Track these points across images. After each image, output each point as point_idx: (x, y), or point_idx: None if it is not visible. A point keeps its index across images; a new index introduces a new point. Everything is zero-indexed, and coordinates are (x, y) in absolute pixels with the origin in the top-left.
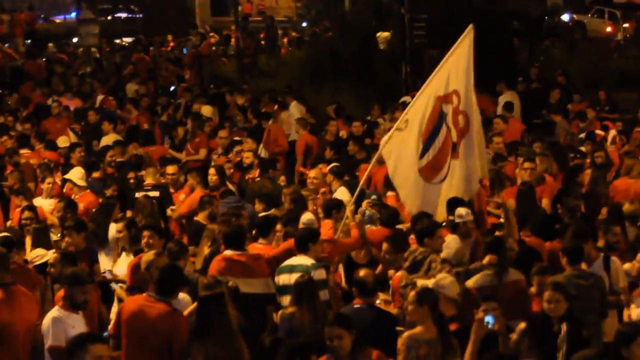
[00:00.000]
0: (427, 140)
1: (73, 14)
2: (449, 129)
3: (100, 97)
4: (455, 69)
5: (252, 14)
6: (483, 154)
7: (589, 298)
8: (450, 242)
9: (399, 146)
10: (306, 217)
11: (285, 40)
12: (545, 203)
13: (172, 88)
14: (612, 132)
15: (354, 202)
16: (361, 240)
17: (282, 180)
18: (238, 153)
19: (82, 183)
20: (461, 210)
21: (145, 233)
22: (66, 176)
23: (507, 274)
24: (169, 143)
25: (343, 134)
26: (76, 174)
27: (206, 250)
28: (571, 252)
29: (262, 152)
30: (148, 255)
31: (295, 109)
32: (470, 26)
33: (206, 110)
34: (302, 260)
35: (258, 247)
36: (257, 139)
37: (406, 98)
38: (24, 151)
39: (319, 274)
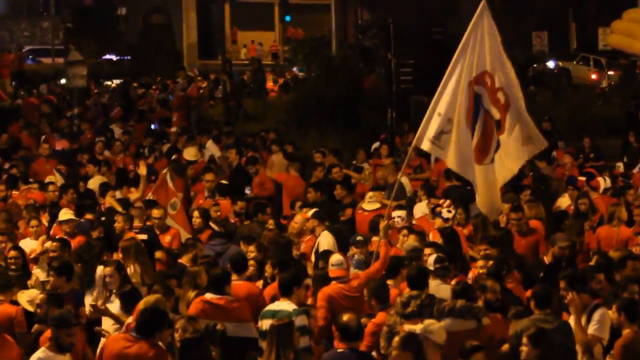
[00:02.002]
0: (471, 125)
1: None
2: (487, 111)
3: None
4: (479, 50)
5: (262, 58)
6: (534, 128)
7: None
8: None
9: (457, 146)
10: (335, 258)
11: (271, 83)
12: (543, 250)
13: (152, 126)
14: (603, 183)
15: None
16: (387, 262)
17: (270, 224)
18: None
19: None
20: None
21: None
22: (63, 217)
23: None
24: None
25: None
26: (67, 215)
27: (190, 294)
28: (539, 297)
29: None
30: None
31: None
32: (483, 3)
33: (190, 152)
34: (285, 305)
35: (236, 284)
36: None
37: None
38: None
39: (301, 320)
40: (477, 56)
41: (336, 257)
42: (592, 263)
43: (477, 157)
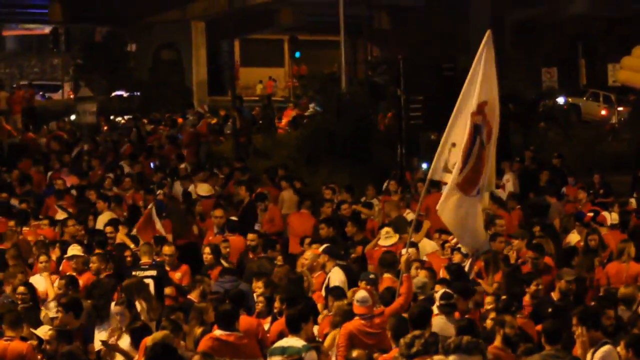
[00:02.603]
0: (466, 155)
1: None
2: (482, 142)
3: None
4: (484, 79)
5: (274, 94)
6: (493, 166)
7: None
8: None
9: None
10: (360, 294)
11: (283, 120)
12: None
13: (151, 164)
14: (609, 218)
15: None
16: (410, 296)
17: (279, 260)
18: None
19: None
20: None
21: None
22: (70, 253)
23: None
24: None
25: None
26: (76, 250)
27: (197, 330)
28: (550, 332)
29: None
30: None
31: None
32: (488, 33)
33: (203, 188)
34: (293, 341)
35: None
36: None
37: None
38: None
39: (310, 356)
40: (479, 86)
41: (361, 294)
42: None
43: (466, 188)
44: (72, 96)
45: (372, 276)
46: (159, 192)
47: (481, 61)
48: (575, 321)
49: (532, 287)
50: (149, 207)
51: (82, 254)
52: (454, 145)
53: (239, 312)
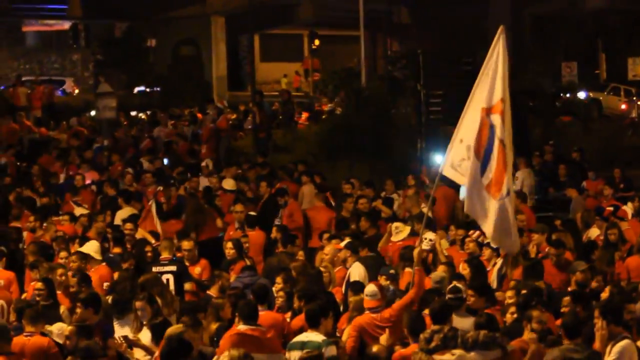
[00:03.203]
0: (485, 156)
1: None
2: (501, 140)
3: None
4: (498, 76)
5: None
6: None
7: None
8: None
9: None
10: (370, 288)
11: (303, 114)
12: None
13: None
14: (630, 211)
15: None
16: (422, 290)
17: (300, 255)
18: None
19: (97, 257)
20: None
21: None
22: (82, 249)
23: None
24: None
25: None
26: (92, 247)
27: (213, 325)
28: (569, 327)
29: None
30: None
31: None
32: (501, 28)
33: (229, 183)
34: (313, 336)
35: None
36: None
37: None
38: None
39: (330, 351)
40: (490, 82)
41: (371, 288)
42: (605, 295)
43: (493, 191)
44: (76, 91)
45: (392, 271)
46: (180, 187)
47: (496, 57)
48: (597, 314)
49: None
50: (150, 203)
51: (97, 254)
52: (461, 141)
53: (257, 307)
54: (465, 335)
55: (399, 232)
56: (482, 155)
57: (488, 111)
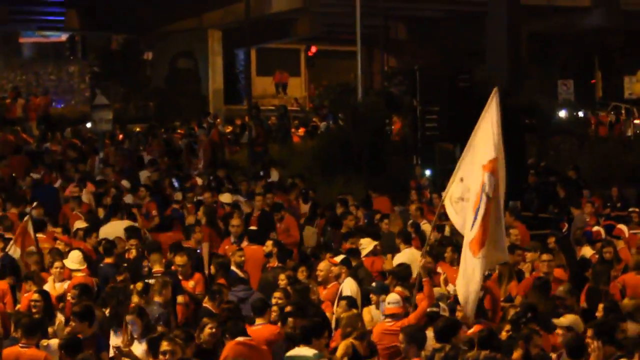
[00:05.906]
0: (476, 211)
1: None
2: (489, 199)
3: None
4: (493, 135)
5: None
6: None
7: None
8: None
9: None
10: (392, 296)
11: (300, 129)
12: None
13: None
14: (627, 230)
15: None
16: (432, 300)
17: (302, 271)
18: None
19: (79, 266)
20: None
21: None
22: (65, 262)
23: None
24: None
25: None
26: (73, 258)
27: (207, 330)
28: (572, 347)
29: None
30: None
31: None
32: (495, 90)
33: (226, 197)
34: (305, 351)
35: (257, 328)
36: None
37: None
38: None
39: None
40: (489, 141)
41: (393, 296)
42: (599, 313)
43: (473, 247)
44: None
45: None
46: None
47: (490, 116)
48: (591, 334)
49: None
50: (25, 219)
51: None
52: (462, 180)
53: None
54: (466, 355)
55: (363, 249)
56: (475, 211)
57: (484, 168)
